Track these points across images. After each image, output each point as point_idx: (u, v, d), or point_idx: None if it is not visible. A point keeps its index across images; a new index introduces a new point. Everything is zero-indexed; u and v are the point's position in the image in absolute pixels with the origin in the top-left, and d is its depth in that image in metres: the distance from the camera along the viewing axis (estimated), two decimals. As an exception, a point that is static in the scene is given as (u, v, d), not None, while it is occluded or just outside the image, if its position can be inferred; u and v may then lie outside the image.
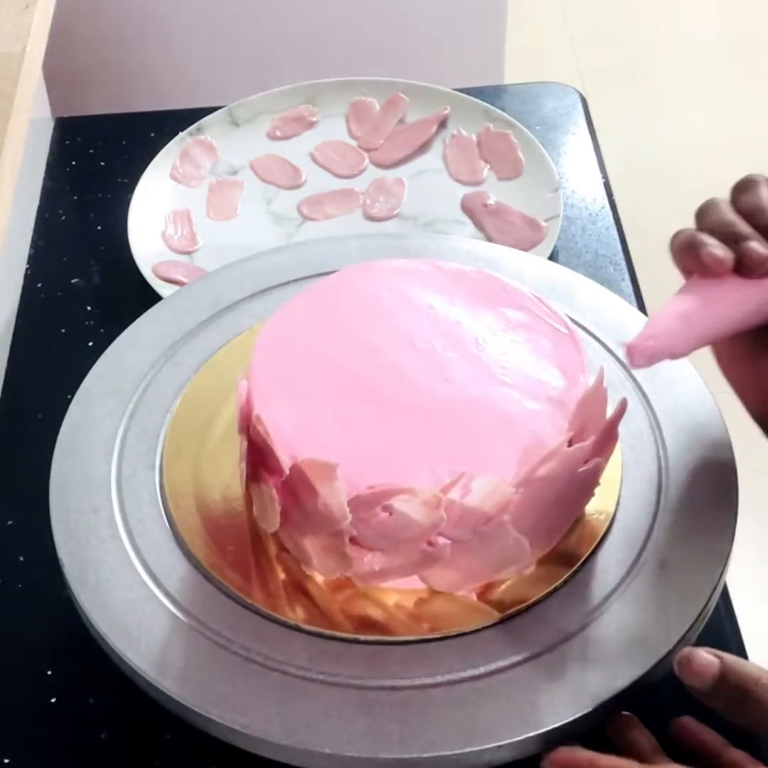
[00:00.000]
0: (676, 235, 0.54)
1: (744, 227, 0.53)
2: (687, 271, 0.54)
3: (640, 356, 0.52)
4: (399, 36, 1.27)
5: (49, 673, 0.60)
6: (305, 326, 0.57)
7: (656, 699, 0.51)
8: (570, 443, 0.50)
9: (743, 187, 0.54)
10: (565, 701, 0.49)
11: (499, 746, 0.48)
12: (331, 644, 0.51)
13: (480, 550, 0.50)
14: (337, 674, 0.50)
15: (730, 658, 0.44)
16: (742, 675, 0.44)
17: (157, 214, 0.85)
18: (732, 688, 0.44)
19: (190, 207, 0.86)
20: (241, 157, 0.90)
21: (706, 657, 0.44)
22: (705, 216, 0.54)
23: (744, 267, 0.52)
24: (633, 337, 0.53)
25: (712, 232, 0.53)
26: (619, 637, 0.51)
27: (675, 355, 0.54)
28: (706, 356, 0.59)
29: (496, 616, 0.52)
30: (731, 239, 0.52)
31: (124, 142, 0.93)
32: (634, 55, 2.19)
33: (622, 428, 0.55)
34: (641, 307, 0.77)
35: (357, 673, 0.50)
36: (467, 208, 0.85)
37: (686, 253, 0.53)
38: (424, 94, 0.92)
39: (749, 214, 0.53)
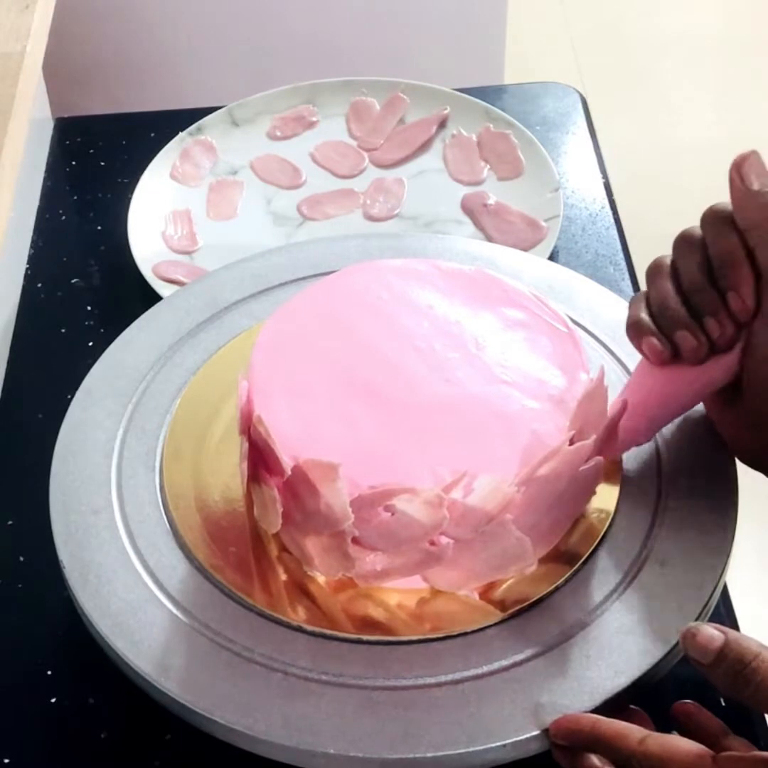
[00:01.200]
0: (631, 302, 0.54)
1: (678, 312, 0.52)
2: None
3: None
4: (399, 36, 1.27)
5: (49, 673, 0.60)
6: (305, 326, 0.57)
7: (658, 697, 0.51)
8: (571, 442, 0.50)
9: (681, 250, 0.53)
10: (567, 700, 0.49)
11: (503, 745, 0.48)
12: (333, 644, 0.51)
13: (482, 549, 0.50)
14: (339, 674, 0.50)
15: (733, 633, 0.46)
16: (742, 648, 0.45)
17: (157, 214, 0.85)
18: (732, 662, 0.45)
19: (190, 207, 0.86)
20: (241, 157, 0.90)
21: (711, 631, 0.46)
22: (651, 283, 0.53)
23: (679, 356, 0.52)
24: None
25: (655, 308, 0.53)
26: (621, 636, 0.51)
27: (637, 444, 0.56)
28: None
29: (499, 615, 0.52)
30: (666, 326, 0.52)
31: (124, 142, 0.93)
32: (634, 55, 2.19)
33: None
34: (641, 307, 0.77)
35: (359, 673, 0.50)
36: (467, 208, 0.85)
37: (631, 336, 0.53)
38: (424, 94, 0.92)
39: (687, 290, 0.52)
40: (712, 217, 0.52)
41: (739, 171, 0.51)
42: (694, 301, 0.52)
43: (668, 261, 0.54)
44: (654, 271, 0.54)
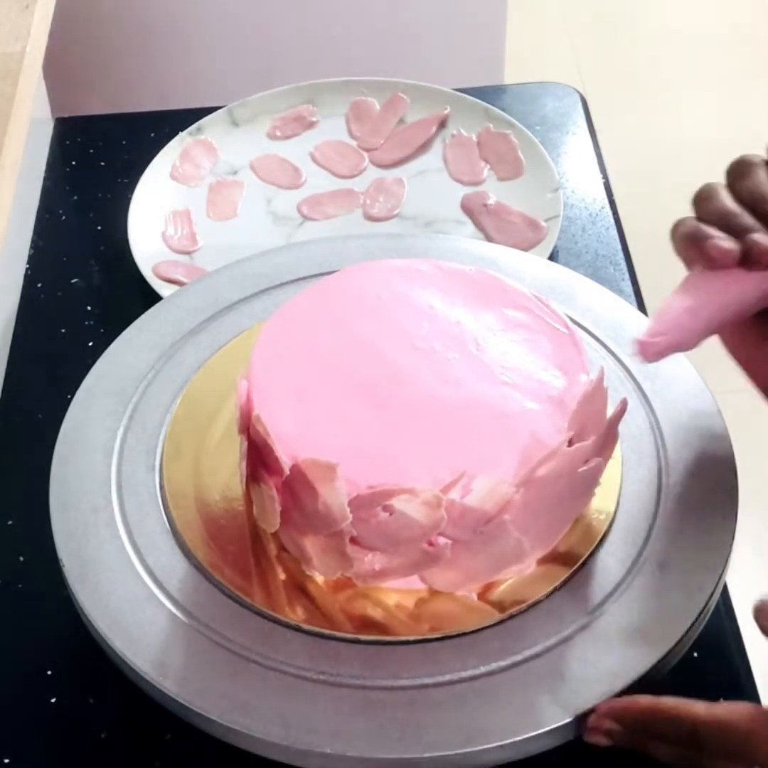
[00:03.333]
0: (677, 225, 0.54)
1: (747, 218, 0.52)
2: (690, 262, 0.54)
3: (650, 352, 0.53)
4: (399, 36, 1.27)
5: (49, 673, 0.60)
6: (305, 326, 0.57)
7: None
8: (570, 443, 0.50)
9: (740, 172, 0.53)
10: (564, 702, 0.49)
11: (500, 746, 0.48)
12: (331, 644, 0.51)
13: (480, 550, 0.50)
14: (337, 674, 0.50)
15: None
16: None
17: (157, 214, 0.85)
18: None
19: (190, 207, 0.86)
20: (241, 157, 0.90)
21: None
22: (705, 204, 0.53)
23: (749, 260, 0.52)
24: (640, 333, 0.53)
25: (714, 223, 0.52)
26: (619, 638, 0.51)
27: (684, 348, 0.55)
28: (706, 356, 0.59)
29: (497, 616, 0.52)
30: (735, 231, 0.52)
31: (124, 142, 0.93)
32: (634, 55, 2.19)
33: (622, 428, 0.55)
34: (641, 307, 0.77)
35: (357, 673, 0.50)
36: (467, 208, 0.85)
37: (690, 245, 0.53)
38: (424, 94, 0.92)
39: (750, 202, 0.52)
40: None
41: None
42: (762, 208, 0.52)
43: (719, 185, 0.54)
44: (708, 191, 0.53)
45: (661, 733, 0.47)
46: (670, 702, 0.47)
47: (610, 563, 0.54)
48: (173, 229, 0.84)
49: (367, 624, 0.52)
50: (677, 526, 0.55)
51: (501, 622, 0.52)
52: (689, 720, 0.46)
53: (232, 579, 0.53)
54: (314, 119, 0.92)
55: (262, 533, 0.55)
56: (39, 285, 0.82)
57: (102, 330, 0.78)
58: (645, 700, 0.48)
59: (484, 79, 1.13)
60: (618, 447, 0.57)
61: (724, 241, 0.52)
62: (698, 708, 0.46)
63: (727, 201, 0.53)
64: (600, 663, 0.50)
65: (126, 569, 0.54)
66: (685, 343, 0.54)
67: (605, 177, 0.89)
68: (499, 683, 0.49)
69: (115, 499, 0.57)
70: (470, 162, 0.88)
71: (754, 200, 0.52)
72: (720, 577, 0.53)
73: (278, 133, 0.91)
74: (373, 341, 0.56)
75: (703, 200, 0.54)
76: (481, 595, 0.52)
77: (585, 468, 0.51)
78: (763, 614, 0.47)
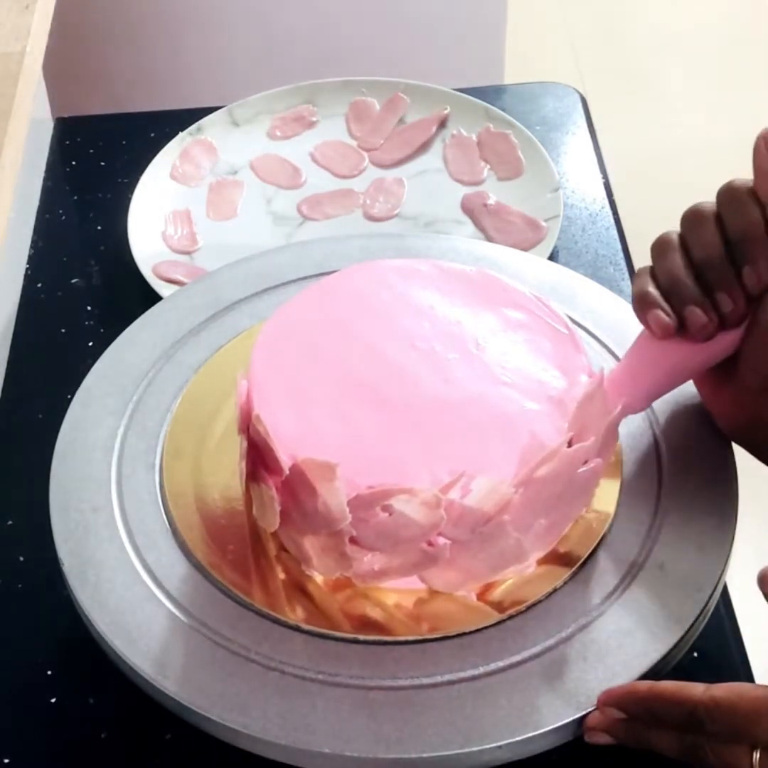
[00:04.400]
0: (636, 276, 0.54)
1: (689, 288, 0.52)
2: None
3: None
4: (399, 36, 1.28)
5: (49, 673, 0.60)
6: (305, 326, 0.57)
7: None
8: (570, 443, 0.50)
9: (692, 225, 0.53)
10: (564, 702, 0.49)
11: (498, 747, 0.48)
12: (331, 644, 0.51)
13: (479, 550, 0.50)
14: (336, 674, 0.50)
15: None
16: None
17: (157, 214, 0.85)
18: None
19: (190, 207, 0.86)
20: (241, 157, 0.90)
21: None
22: (658, 260, 0.53)
23: (685, 331, 0.52)
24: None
25: (663, 284, 0.53)
26: (619, 638, 0.51)
27: (630, 412, 0.55)
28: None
29: (496, 616, 0.52)
30: (676, 300, 0.52)
31: (124, 142, 0.93)
32: (634, 55, 2.19)
33: (622, 428, 0.55)
34: (641, 307, 0.77)
35: (356, 673, 0.50)
36: (467, 208, 0.85)
37: (637, 309, 0.53)
38: (424, 94, 0.92)
39: (698, 264, 0.52)
40: (731, 192, 0.52)
41: (766, 142, 0.51)
42: (707, 276, 0.52)
43: (675, 236, 0.53)
44: (662, 245, 0.53)
45: (662, 716, 0.47)
46: (670, 685, 0.47)
47: (609, 563, 0.54)
48: (173, 229, 0.84)
49: (366, 624, 0.52)
50: (677, 526, 0.55)
51: (500, 622, 0.52)
52: (689, 701, 0.46)
53: (232, 579, 0.53)
54: (314, 119, 0.93)
55: (262, 533, 0.55)
56: (39, 285, 0.83)
57: (102, 330, 0.78)
58: (644, 685, 0.48)
59: (484, 79, 1.13)
60: (618, 447, 0.57)
61: (662, 315, 0.52)
62: (698, 689, 0.46)
63: (676, 264, 0.52)
64: (598, 665, 0.50)
65: (126, 569, 0.54)
66: (630, 408, 0.54)
67: (605, 177, 0.89)
68: (499, 683, 0.49)
69: (115, 498, 0.57)
70: (470, 162, 0.88)
71: (701, 262, 0.52)
72: (720, 577, 0.53)
73: (278, 133, 0.92)
74: (373, 341, 0.56)
75: (657, 255, 0.53)
76: (481, 596, 0.52)
77: (585, 468, 0.51)
78: (766, 582, 0.47)
